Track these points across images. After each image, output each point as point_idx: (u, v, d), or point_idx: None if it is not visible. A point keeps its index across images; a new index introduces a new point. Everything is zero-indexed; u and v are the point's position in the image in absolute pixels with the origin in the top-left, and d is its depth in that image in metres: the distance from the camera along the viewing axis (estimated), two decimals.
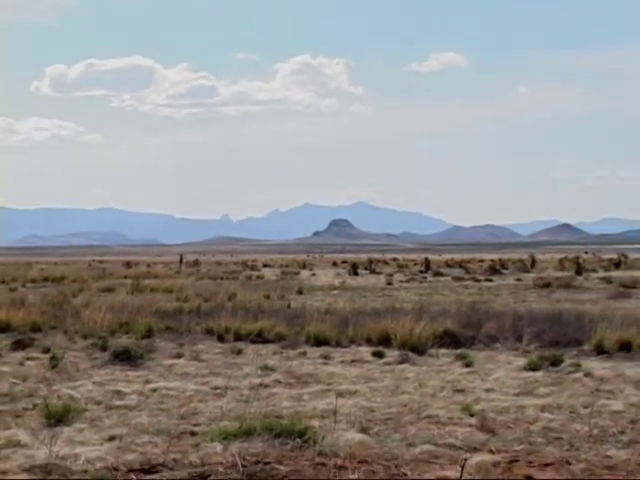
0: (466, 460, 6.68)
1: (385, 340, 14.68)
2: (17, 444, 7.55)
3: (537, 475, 6.65)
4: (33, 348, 14.25)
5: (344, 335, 15.49)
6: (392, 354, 13.65)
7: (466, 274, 48.93)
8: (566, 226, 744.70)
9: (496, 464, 6.89)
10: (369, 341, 15.12)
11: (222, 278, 44.60)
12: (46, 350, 13.74)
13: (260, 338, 15.65)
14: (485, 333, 15.44)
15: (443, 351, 14.00)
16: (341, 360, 13.42)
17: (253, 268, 64.28)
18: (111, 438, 7.81)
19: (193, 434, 8.04)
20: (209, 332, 16.38)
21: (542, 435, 8.08)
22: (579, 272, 46.78)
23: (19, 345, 14.38)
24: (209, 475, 6.44)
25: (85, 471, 6.59)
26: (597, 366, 12.31)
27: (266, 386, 10.88)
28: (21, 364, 12.68)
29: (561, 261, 64.74)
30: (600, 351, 13.74)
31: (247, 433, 7.50)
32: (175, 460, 6.92)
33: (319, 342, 15.10)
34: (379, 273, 52.75)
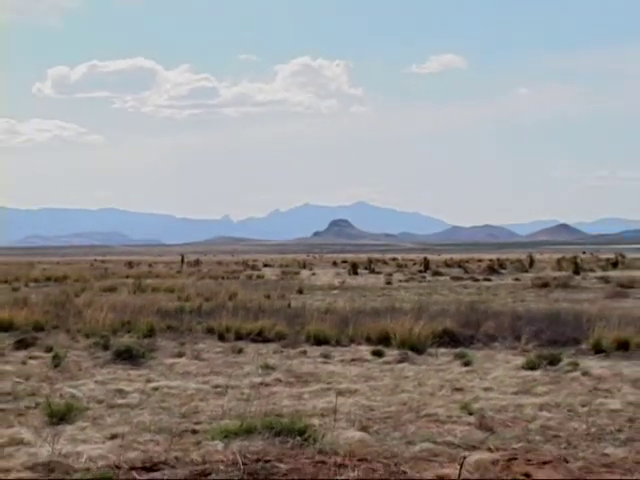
0: (465, 458, 6.70)
1: (385, 339, 14.71)
2: (20, 442, 7.58)
3: (535, 473, 6.67)
4: (36, 347, 14.30)
5: (344, 334, 15.53)
6: (392, 353, 13.69)
7: (465, 274, 49.00)
8: (564, 226, 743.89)
9: (495, 462, 6.92)
10: (369, 340, 15.15)
11: (223, 278, 44.63)
12: (49, 349, 13.79)
13: (261, 337, 15.69)
14: (484, 332, 15.48)
15: (442, 350, 14.03)
16: (341, 359, 13.46)
17: (254, 268, 64.27)
18: (113, 436, 7.84)
19: (194, 432, 8.07)
20: (210, 331, 16.43)
21: (540, 433, 8.12)
22: (577, 272, 46.88)
23: (22, 344, 14.43)
24: (210, 473, 6.44)
25: (87, 469, 6.60)
26: (595, 365, 12.35)
27: (267, 385, 10.92)
28: (24, 363, 12.72)
29: (559, 261, 64.76)
30: (598, 350, 13.78)
31: (248, 431, 7.52)
32: (176, 458, 6.94)
33: (319, 341, 15.14)
34: (379, 273, 52.76)
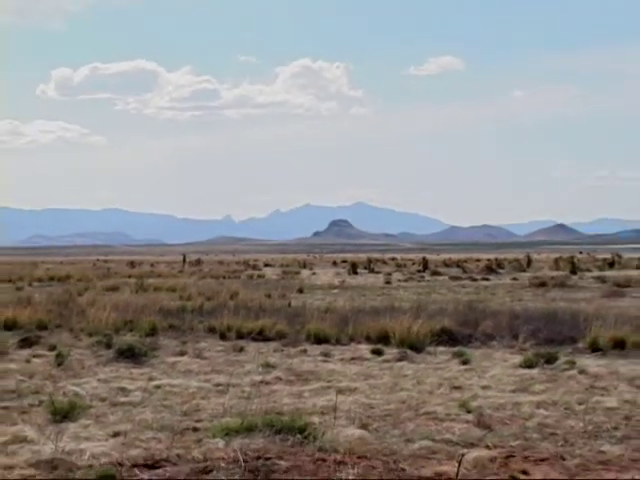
0: (463, 455, 6.76)
1: (384, 338, 14.76)
2: (24, 440, 7.62)
3: (532, 470, 6.72)
4: (39, 346, 14.36)
5: (344, 333, 15.59)
6: (391, 352, 13.73)
7: (463, 273, 49.06)
8: (561, 226, 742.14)
9: (492, 459, 6.97)
10: (368, 339, 15.21)
11: (224, 277, 44.67)
12: (52, 348, 13.85)
13: (261, 336, 15.74)
14: (482, 331, 15.54)
15: (441, 349, 14.09)
16: (341, 358, 13.51)
17: (255, 267, 64.27)
18: (116, 434, 7.88)
19: (196, 430, 8.11)
20: (211, 330, 16.48)
21: (537, 431, 8.17)
22: (574, 271, 46.97)
23: (26, 343, 14.49)
24: (211, 470, 6.47)
25: (90, 466, 6.63)
26: (591, 363, 12.41)
27: (267, 383, 10.97)
28: (28, 361, 12.78)
29: (556, 261, 64.82)
30: (594, 349, 13.86)
31: (248, 429, 7.55)
32: (178, 455, 6.97)
33: (319, 340, 15.21)
34: (378, 272, 52.78)
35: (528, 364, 12.14)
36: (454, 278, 43.35)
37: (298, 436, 7.40)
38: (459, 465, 6.44)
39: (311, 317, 16.68)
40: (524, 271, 52.48)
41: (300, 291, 31.08)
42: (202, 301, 22.70)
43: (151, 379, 11.20)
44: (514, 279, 41.87)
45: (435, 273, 49.18)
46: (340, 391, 9.94)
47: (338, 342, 15.21)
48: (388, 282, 39.59)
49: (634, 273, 43.75)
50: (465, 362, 12.64)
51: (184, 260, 70.41)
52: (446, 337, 14.93)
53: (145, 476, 6.40)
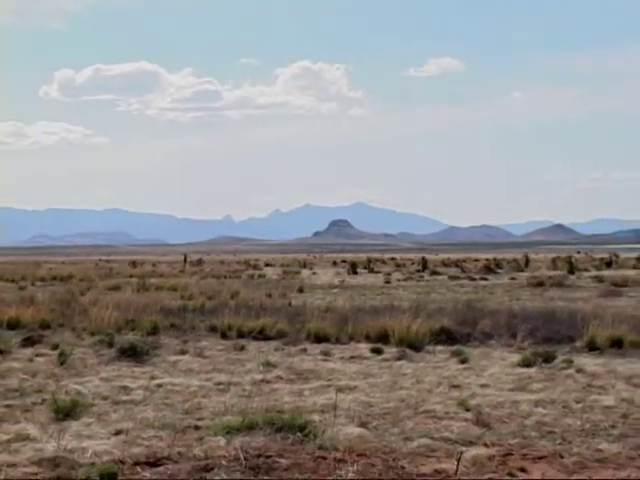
0: (462, 453, 6.83)
1: (383, 337, 14.81)
2: (26, 438, 7.68)
3: (531, 468, 6.77)
4: (42, 345, 14.42)
5: (344, 332, 15.64)
6: (390, 351, 13.78)
7: (462, 273, 49.12)
8: (559, 227, 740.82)
9: (491, 457, 7.02)
10: (368, 338, 15.25)
11: (225, 277, 44.69)
12: (55, 347, 13.91)
13: (262, 335, 15.80)
14: (480, 330, 15.59)
15: (439, 348, 14.14)
16: (341, 356, 13.56)
17: (255, 267, 64.26)
18: (117, 432, 7.93)
19: (197, 428, 8.15)
20: (212, 329, 16.54)
21: (536, 429, 8.21)
22: (571, 271, 47.04)
23: (28, 342, 14.54)
24: (212, 468, 6.50)
25: (92, 464, 6.65)
26: (589, 362, 12.47)
27: (268, 382, 11.03)
28: (30, 360, 12.83)
29: (554, 260, 65.02)
30: (592, 348, 13.91)
31: (249, 427, 7.60)
32: (180, 453, 7.01)
33: (319, 339, 15.26)
34: (377, 272, 52.81)
35: (526, 363, 12.19)
36: (453, 278, 43.41)
37: (298, 434, 7.44)
38: (458, 463, 6.51)
39: (311, 316, 16.73)
40: (522, 271, 52.54)
41: (300, 291, 31.12)
42: (203, 300, 22.77)
43: (153, 378, 11.25)
44: (512, 279, 41.93)
45: (434, 273, 49.24)
46: (340, 390, 10.00)
47: (338, 341, 15.26)
48: (387, 282, 39.64)
49: (631, 273, 43.85)
50: (464, 361, 12.69)
51: (185, 260, 70.40)
52: (445, 336, 14.99)
53: (147, 474, 6.44)
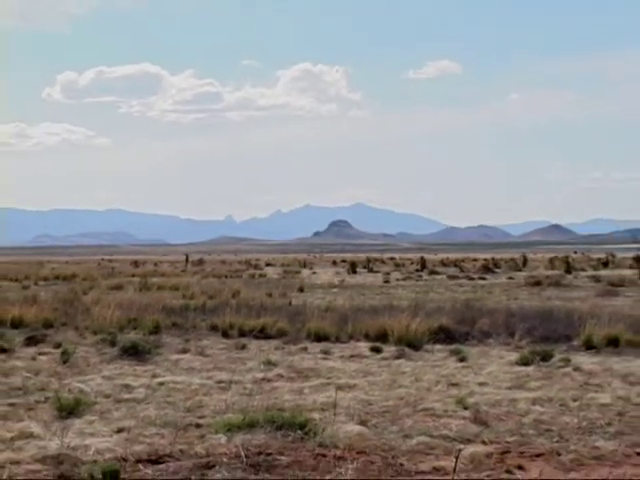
0: (460, 451, 6.84)
1: (383, 336, 14.86)
2: (30, 435, 7.74)
3: (528, 465, 6.83)
4: (45, 343, 14.49)
5: (343, 331, 15.70)
6: (389, 349, 13.85)
7: (460, 273, 49.22)
8: (556, 227, 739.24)
9: (489, 455, 7.08)
10: (367, 337, 15.30)
11: (226, 277, 44.75)
12: (57, 345, 13.98)
13: (263, 334, 15.85)
14: (478, 329, 15.65)
15: (438, 346, 14.19)
16: (340, 355, 13.62)
17: (256, 267, 64.29)
18: (120, 430, 7.99)
19: (198, 426, 8.21)
20: (214, 328, 16.60)
21: (533, 427, 8.28)
22: (569, 271, 47.16)
23: (32, 341, 14.60)
24: (214, 465, 6.54)
25: (95, 461, 6.69)
26: (586, 361, 12.54)
27: (268, 380, 11.08)
28: (34, 359, 12.90)
29: (551, 260, 65.16)
30: (589, 346, 13.99)
31: (250, 425, 7.64)
32: (181, 451, 7.07)
33: (319, 338, 15.32)
34: (377, 272, 52.87)
35: (524, 361, 12.25)
36: (451, 277, 43.54)
37: (299, 432, 7.49)
38: (456, 460, 6.49)
39: (311, 315, 16.80)
40: (520, 270, 52.67)
41: (301, 290, 31.18)
42: (204, 300, 22.84)
43: (154, 376, 11.31)
44: (510, 278, 42.07)
45: (433, 272, 49.38)
46: (340, 388, 10.03)
47: (338, 340, 15.32)
48: (387, 281, 39.72)
49: (628, 272, 43.85)
50: (462, 359, 12.75)
51: (187, 260, 70.46)
52: (443, 335, 15.04)
53: (149, 471, 6.48)
